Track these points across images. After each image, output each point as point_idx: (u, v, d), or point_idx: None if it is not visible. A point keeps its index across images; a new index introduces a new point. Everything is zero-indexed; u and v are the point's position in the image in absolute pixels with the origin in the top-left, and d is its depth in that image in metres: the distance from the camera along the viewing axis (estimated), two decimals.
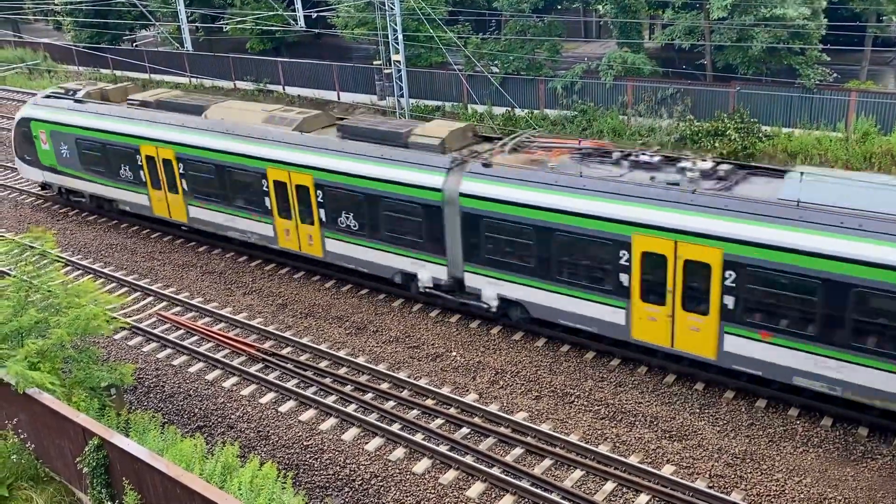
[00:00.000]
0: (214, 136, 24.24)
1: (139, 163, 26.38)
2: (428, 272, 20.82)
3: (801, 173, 16.60)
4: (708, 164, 17.84)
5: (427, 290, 21.17)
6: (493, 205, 18.92)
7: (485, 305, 20.20)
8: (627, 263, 17.31)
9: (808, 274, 15.18)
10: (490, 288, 19.78)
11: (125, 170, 26.99)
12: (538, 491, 14.80)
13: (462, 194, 19.37)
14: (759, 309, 16.01)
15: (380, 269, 21.93)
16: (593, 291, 18.06)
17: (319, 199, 22.18)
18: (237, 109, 25.54)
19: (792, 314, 15.68)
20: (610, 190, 17.54)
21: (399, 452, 16.30)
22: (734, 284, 15.98)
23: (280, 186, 22.93)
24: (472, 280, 20.11)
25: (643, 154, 19.02)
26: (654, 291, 17.16)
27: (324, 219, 22.38)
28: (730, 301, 16.13)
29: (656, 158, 18.67)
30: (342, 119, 24.54)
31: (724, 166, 17.84)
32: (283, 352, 20.18)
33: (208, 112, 25.49)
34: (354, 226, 21.80)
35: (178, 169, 25.33)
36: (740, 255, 15.75)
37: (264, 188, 23.27)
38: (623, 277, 17.45)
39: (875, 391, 15.17)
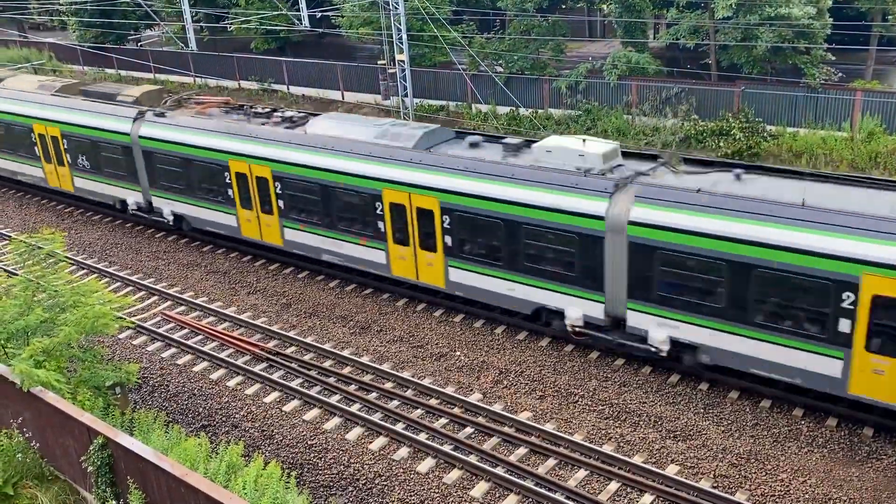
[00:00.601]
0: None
1: None
2: (134, 198, 27.93)
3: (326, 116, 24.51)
4: (290, 113, 25.20)
5: (135, 212, 28.10)
6: (160, 143, 25.89)
7: (165, 220, 27.15)
8: (229, 181, 24.41)
9: (311, 181, 22.42)
10: (167, 207, 26.88)
11: None
12: (542, 490, 14.80)
13: (141, 136, 26.33)
14: (294, 208, 23.23)
15: (107, 198, 28.96)
16: (219, 204, 25.13)
17: (65, 147, 29.30)
18: (21, 80, 32.68)
19: (311, 212, 22.89)
20: (219, 129, 24.54)
21: (403, 452, 16.30)
22: (280, 192, 23.34)
23: (42, 138, 30.11)
24: (157, 202, 27.17)
25: (261, 107, 26.74)
26: (246, 201, 24.34)
27: (70, 161, 29.39)
28: (281, 203, 23.50)
29: (267, 110, 26.12)
30: (88, 85, 31.86)
31: (299, 114, 25.07)
32: (288, 351, 20.21)
33: (1, 83, 32.54)
34: (88, 165, 28.77)
35: None
36: (281, 171, 22.93)
37: (33, 140, 30.49)
38: (230, 192, 24.58)
39: (350, 258, 22.61)
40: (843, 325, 15.08)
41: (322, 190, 22.22)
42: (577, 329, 18.81)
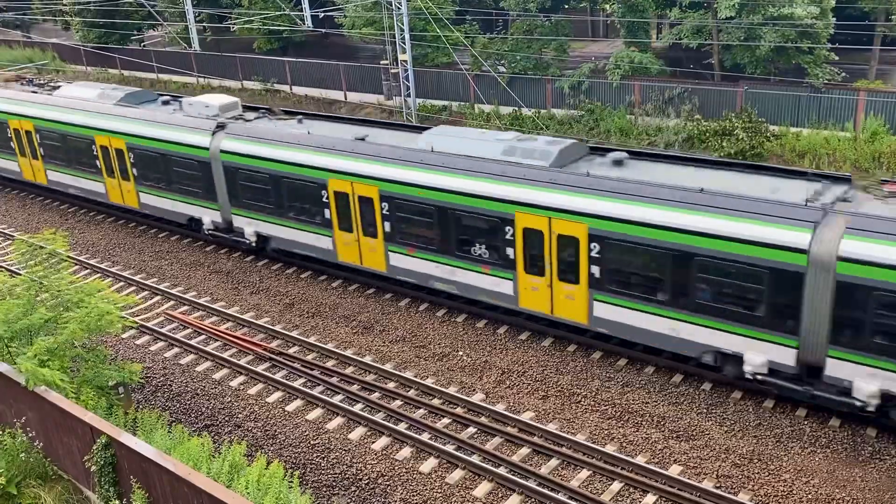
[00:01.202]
0: None
1: None
2: None
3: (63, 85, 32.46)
4: (60, 84, 32.35)
5: None
6: None
7: None
8: (10, 136, 31.47)
9: (57, 133, 29.41)
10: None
11: None
12: (545, 491, 14.80)
13: None
14: (50, 156, 30.40)
15: None
16: (7, 154, 32.17)
17: None
18: None
19: (62, 158, 29.88)
20: (3, 97, 31.78)
21: (405, 452, 16.31)
22: (41, 142, 30.47)
23: None
24: None
25: (44, 80, 34.65)
26: (22, 152, 31.59)
27: None
28: (42, 151, 30.56)
29: (44, 82, 33.79)
30: None
31: (58, 84, 32.58)
32: (290, 351, 20.22)
33: None
34: None
35: None
36: (40, 126, 30.18)
37: None
38: (12, 145, 31.65)
39: (89, 191, 29.67)
40: (327, 214, 22.33)
41: (62, 138, 29.34)
42: (209, 231, 25.92)
